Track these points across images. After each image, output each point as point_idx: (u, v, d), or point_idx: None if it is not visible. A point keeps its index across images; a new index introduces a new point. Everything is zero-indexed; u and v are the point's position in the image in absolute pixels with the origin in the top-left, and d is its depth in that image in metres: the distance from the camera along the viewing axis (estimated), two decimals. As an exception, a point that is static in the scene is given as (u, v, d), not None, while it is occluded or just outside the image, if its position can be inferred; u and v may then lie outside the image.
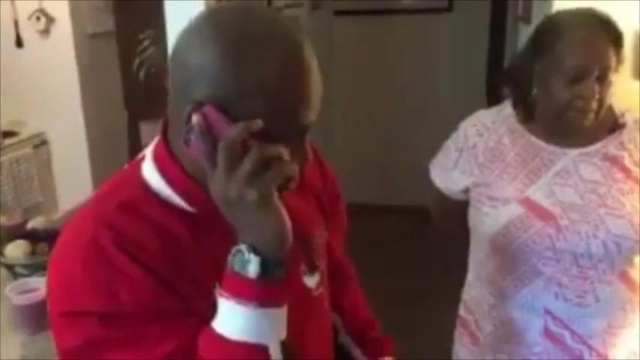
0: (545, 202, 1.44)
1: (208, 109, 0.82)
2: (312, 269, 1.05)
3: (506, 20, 4.11)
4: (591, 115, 1.39)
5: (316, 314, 1.08)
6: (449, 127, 1.68)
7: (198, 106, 0.82)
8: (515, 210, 1.45)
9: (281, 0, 3.40)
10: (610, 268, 1.43)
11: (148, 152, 0.96)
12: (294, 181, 0.88)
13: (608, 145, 1.47)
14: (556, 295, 1.45)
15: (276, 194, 0.84)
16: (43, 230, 2.04)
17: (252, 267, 0.82)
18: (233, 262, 0.84)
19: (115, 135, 3.79)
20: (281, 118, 0.83)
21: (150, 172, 0.93)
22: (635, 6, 1.94)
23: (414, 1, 4.60)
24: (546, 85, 1.43)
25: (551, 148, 1.48)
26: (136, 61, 3.56)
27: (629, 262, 1.46)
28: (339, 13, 4.61)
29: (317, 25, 4.17)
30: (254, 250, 0.83)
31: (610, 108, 1.49)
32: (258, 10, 0.88)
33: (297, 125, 0.86)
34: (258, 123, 0.81)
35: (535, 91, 1.46)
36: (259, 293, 0.83)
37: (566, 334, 1.47)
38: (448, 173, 1.62)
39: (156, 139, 0.96)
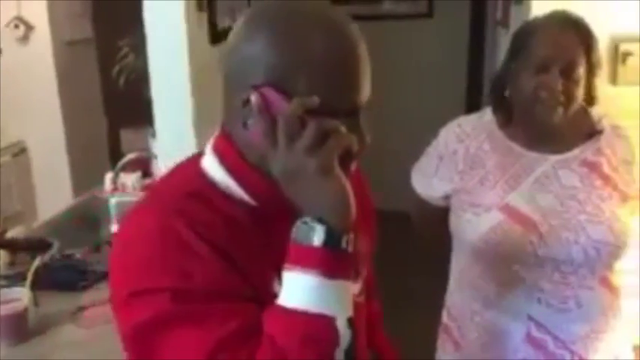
0: (526, 209, 1.45)
1: (266, 90, 0.85)
2: (356, 275, 1.03)
3: (485, 25, 4.16)
4: (559, 110, 1.41)
5: (359, 324, 1.02)
6: (428, 131, 1.68)
7: (256, 89, 0.85)
8: (496, 217, 1.46)
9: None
10: (591, 273, 1.45)
11: (208, 147, 0.97)
12: (354, 159, 0.89)
13: (586, 151, 1.49)
14: (539, 301, 1.45)
15: (337, 164, 0.84)
16: (23, 240, 2.02)
17: (317, 235, 0.82)
18: (297, 234, 0.84)
19: (95, 142, 3.77)
20: (332, 96, 0.85)
21: (211, 163, 0.95)
22: (610, 12, 1.96)
23: (394, 5, 4.62)
24: (517, 79, 1.46)
25: (530, 154, 1.49)
26: (116, 68, 3.53)
27: (610, 267, 1.48)
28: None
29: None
30: (319, 220, 0.83)
31: (587, 114, 1.51)
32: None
33: (348, 103, 0.88)
34: (315, 99, 0.84)
35: (508, 90, 1.49)
36: (323, 262, 0.82)
37: (549, 340, 1.47)
38: (428, 179, 1.63)
39: (215, 134, 0.98)
